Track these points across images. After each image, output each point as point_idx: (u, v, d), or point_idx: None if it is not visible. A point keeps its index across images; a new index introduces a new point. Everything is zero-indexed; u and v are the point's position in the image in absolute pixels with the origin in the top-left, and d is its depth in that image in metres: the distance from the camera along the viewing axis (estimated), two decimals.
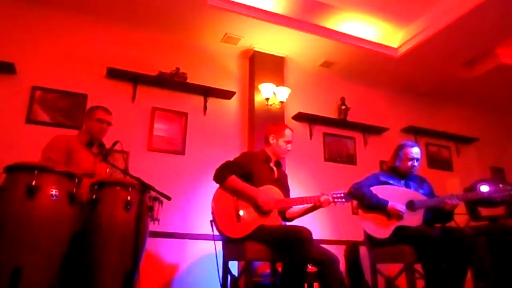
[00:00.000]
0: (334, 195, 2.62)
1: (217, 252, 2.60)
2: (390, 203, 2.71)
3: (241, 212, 2.49)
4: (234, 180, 2.52)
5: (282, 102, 4.29)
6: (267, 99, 4.20)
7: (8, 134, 3.32)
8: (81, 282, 2.13)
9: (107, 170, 2.67)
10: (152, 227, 2.47)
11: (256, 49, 4.41)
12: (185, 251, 3.63)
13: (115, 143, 2.27)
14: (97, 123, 2.67)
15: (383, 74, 4.97)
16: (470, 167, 5.42)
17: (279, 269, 2.58)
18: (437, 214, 2.82)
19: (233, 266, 2.99)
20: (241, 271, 2.65)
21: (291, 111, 4.48)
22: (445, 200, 2.66)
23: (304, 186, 4.10)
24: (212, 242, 2.58)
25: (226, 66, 4.43)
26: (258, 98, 4.26)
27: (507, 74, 4.91)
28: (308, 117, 4.53)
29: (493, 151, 5.68)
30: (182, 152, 3.92)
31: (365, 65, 4.75)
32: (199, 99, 4.14)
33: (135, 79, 3.86)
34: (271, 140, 2.78)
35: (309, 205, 2.67)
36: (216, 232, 2.49)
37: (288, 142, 2.76)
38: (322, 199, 2.57)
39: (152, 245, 3.42)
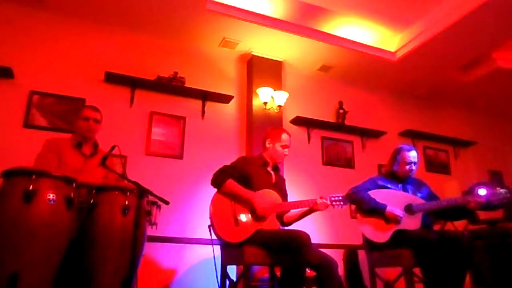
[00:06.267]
0: (333, 198, 2.61)
1: (215, 257, 2.58)
2: (388, 208, 2.71)
3: (239, 216, 2.49)
4: (231, 184, 2.52)
5: (280, 106, 4.29)
6: (265, 103, 4.20)
7: (6, 138, 3.32)
8: (79, 287, 2.12)
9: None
10: (150, 231, 2.46)
11: (254, 53, 4.42)
12: (183, 256, 3.62)
13: (113, 147, 2.27)
14: (83, 121, 2.67)
15: (380, 78, 4.99)
16: (468, 171, 5.44)
17: (278, 273, 2.57)
18: (456, 211, 2.78)
19: (232, 270, 2.98)
20: (240, 276, 2.63)
21: (289, 115, 4.49)
22: (469, 199, 2.63)
23: (302, 190, 4.09)
24: (211, 246, 2.57)
25: (224, 70, 4.44)
26: (256, 102, 4.27)
27: (504, 78, 4.93)
28: (306, 121, 4.53)
29: (491, 154, 5.70)
30: (180, 157, 3.91)
31: (362, 69, 4.77)
32: (197, 103, 4.14)
33: (133, 83, 3.86)
34: (268, 144, 2.77)
35: (305, 209, 2.66)
36: (214, 237, 2.48)
37: (285, 147, 2.74)
38: (318, 202, 2.56)
39: (150, 249, 3.40)
